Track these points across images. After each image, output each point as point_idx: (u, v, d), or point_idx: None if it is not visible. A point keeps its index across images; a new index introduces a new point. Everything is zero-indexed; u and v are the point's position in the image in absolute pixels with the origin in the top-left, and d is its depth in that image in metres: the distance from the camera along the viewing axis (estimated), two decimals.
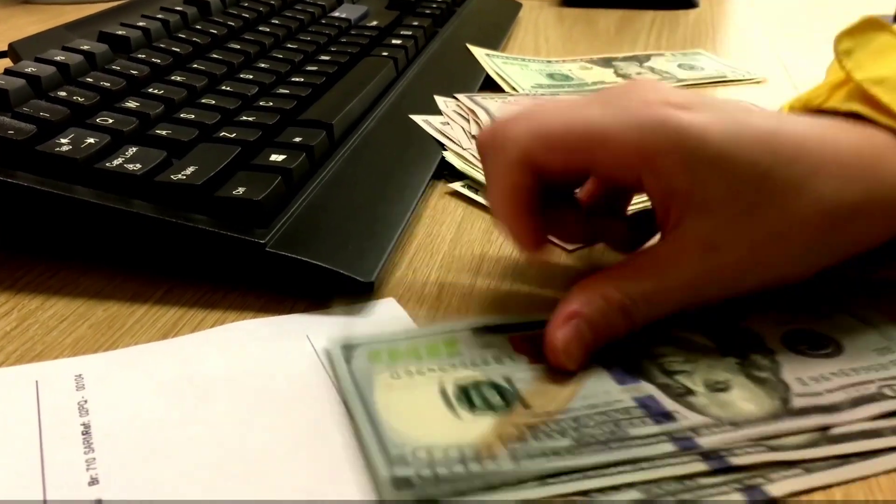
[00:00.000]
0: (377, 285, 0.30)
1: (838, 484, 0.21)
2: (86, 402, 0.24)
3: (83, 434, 0.23)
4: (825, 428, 0.23)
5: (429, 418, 0.23)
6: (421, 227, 0.35)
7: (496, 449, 0.22)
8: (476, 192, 0.38)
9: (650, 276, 0.26)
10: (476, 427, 0.23)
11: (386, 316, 0.28)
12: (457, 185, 0.38)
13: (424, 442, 0.22)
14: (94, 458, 0.22)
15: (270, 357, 0.26)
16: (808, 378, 0.25)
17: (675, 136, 0.25)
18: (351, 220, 0.32)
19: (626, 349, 0.26)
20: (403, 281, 0.31)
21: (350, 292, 0.29)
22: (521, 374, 0.25)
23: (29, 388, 0.25)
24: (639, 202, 0.33)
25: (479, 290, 0.30)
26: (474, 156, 0.40)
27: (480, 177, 0.38)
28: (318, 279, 0.29)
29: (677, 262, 0.26)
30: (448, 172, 0.39)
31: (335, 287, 0.29)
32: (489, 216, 0.36)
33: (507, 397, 0.24)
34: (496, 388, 0.24)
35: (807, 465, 0.21)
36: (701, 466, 0.21)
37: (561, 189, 0.30)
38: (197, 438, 0.23)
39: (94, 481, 0.21)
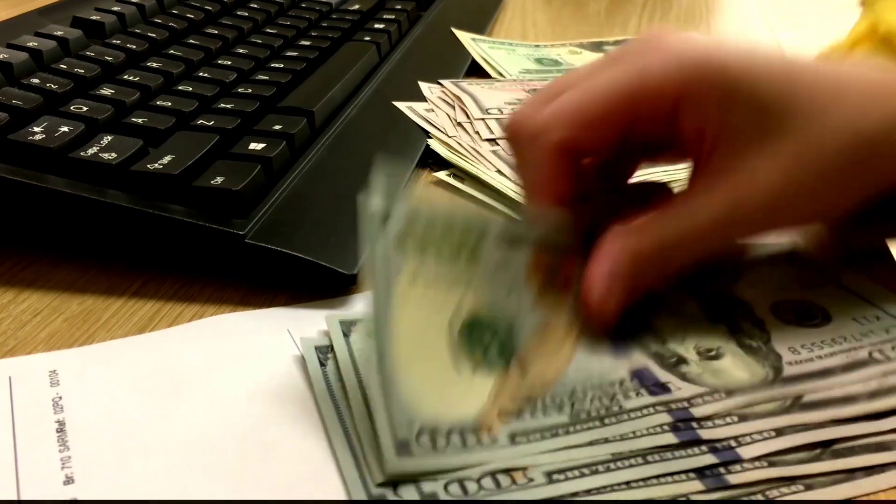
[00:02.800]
0: (360, 277, 0.29)
1: (839, 501, 0.20)
2: (60, 398, 0.24)
3: (58, 432, 0.22)
4: (803, 397, 0.23)
5: (434, 379, 0.23)
6: None
7: (495, 427, 0.22)
8: (462, 181, 0.37)
9: (681, 217, 0.25)
10: (476, 390, 0.23)
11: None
12: (442, 175, 0.38)
13: (430, 414, 0.22)
14: (70, 457, 0.22)
15: (250, 352, 0.26)
16: (800, 346, 0.25)
17: (704, 67, 0.25)
18: (333, 210, 0.32)
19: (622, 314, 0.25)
20: None
21: (332, 285, 0.29)
22: (524, 320, 0.24)
23: (2, 384, 0.24)
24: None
25: None
26: (460, 143, 0.39)
27: (466, 165, 0.37)
28: (298, 271, 0.28)
29: (708, 197, 0.25)
30: (433, 161, 0.39)
31: (316, 279, 0.28)
32: (475, 206, 0.35)
33: (506, 355, 0.24)
34: (497, 340, 0.24)
35: (807, 482, 0.21)
36: (697, 486, 0.21)
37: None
38: (175, 436, 0.22)
39: (69, 480, 0.21)
